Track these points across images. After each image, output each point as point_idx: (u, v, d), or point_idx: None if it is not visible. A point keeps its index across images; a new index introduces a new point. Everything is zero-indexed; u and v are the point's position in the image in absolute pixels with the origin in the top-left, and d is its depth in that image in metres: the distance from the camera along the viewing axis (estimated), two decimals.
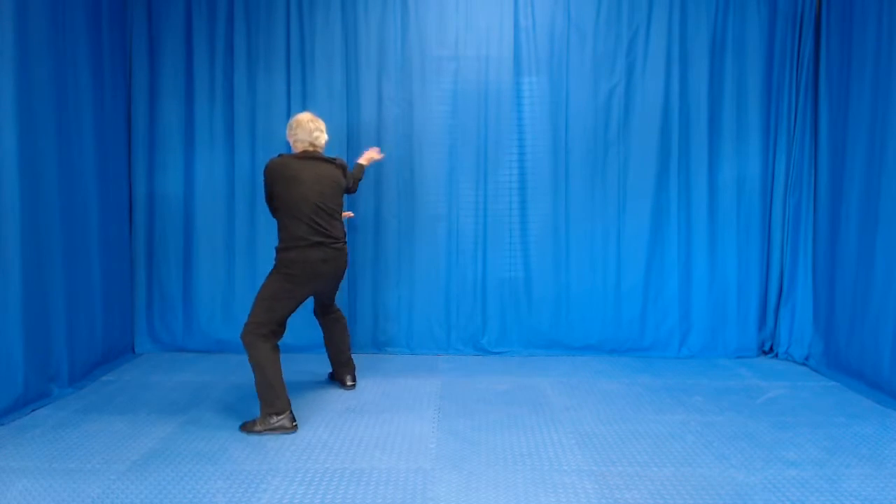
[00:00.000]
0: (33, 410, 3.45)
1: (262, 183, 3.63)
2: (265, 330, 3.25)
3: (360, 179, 3.95)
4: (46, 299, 3.64)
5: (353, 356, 4.69)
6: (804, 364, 4.55)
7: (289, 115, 4.68)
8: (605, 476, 2.78)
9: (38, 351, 3.56)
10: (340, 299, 4.81)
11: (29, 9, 3.45)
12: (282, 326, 3.35)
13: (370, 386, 4.00)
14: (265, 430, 3.20)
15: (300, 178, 3.36)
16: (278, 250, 3.38)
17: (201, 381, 4.04)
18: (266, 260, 4.74)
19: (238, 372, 4.24)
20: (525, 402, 3.71)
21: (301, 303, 3.40)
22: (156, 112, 4.68)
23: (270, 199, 3.42)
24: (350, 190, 3.86)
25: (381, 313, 4.78)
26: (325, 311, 3.85)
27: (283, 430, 3.21)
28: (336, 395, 3.84)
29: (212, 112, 4.69)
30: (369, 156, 4.07)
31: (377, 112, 4.69)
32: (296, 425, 3.24)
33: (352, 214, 4.13)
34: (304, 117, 3.48)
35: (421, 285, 4.75)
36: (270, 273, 3.37)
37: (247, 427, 3.24)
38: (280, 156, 3.44)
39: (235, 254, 4.74)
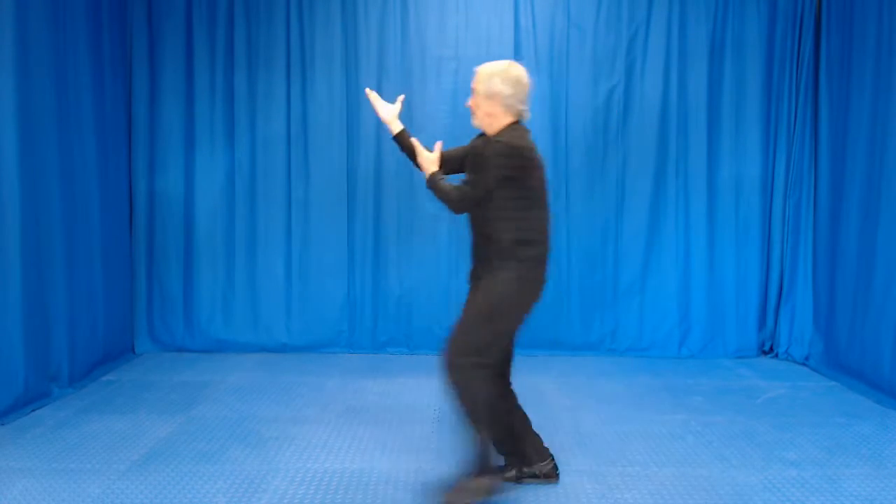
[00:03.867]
0: (33, 410, 3.45)
1: (491, 166, 2.45)
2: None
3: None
4: (46, 299, 3.64)
5: (355, 356, 4.64)
6: (804, 364, 4.55)
7: (289, 115, 4.67)
8: (605, 476, 2.78)
9: (38, 351, 3.56)
10: (339, 299, 4.81)
11: (29, 9, 3.45)
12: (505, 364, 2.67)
13: (370, 386, 4.00)
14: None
15: (540, 159, 2.59)
16: (526, 256, 2.54)
17: (201, 381, 4.03)
18: (266, 260, 4.75)
19: (238, 372, 4.24)
20: (525, 402, 3.69)
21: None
22: (156, 112, 4.68)
23: (494, 188, 2.46)
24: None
25: (381, 313, 4.77)
26: (506, 369, 2.78)
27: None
28: (336, 394, 3.84)
29: (212, 112, 4.69)
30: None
31: None
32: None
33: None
34: (524, 73, 2.59)
35: (421, 285, 4.75)
36: (502, 280, 2.53)
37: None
38: (509, 130, 2.53)
39: (235, 254, 4.73)
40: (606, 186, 4.71)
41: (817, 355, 4.52)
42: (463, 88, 4.69)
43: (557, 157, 4.70)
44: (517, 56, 4.65)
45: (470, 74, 4.63)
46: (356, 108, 4.68)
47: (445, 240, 4.72)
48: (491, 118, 2.57)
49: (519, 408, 2.75)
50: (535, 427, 2.75)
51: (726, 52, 4.66)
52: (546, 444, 2.76)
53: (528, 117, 2.62)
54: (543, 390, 3.93)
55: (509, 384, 2.77)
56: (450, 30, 4.66)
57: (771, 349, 4.79)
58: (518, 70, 2.57)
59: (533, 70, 4.67)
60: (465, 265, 4.71)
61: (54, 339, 3.71)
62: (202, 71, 4.66)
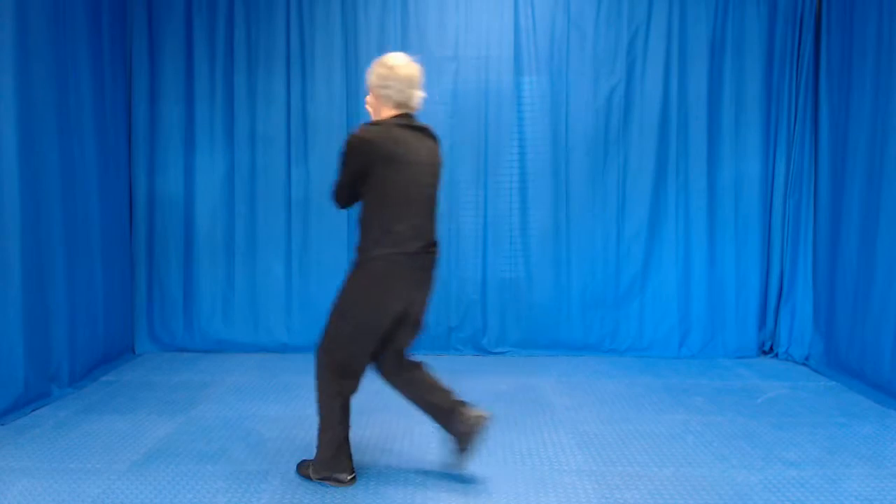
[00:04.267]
0: (33, 410, 3.45)
1: (342, 162, 2.48)
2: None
3: None
4: (46, 299, 3.64)
5: None
6: (804, 364, 4.55)
7: (289, 115, 4.67)
8: (605, 476, 2.78)
9: (38, 351, 3.56)
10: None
11: (29, 9, 3.45)
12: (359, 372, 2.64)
13: (369, 386, 3.99)
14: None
15: (408, 155, 2.47)
16: (371, 257, 2.48)
17: (201, 381, 4.03)
18: (266, 260, 4.75)
19: (238, 372, 4.24)
20: (525, 402, 3.71)
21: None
22: (156, 112, 4.68)
23: (353, 184, 2.48)
24: None
25: None
26: (401, 365, 2.75)
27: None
28: None
29: (212, 112, 4.69)
30: None
31: None
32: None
33: None
34: (403, 62, 2.53)
35: None
36: (352, 288, 2.53)
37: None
38: (372, 124, 2.48)
39: (235, 254, 4.74)
40: (607, 186, 4.71)
41: (817, 355, 4.52)
42: (463, 89, 4.70)
43: (557, 158, 4.70)
44: (517, 56, 4.66)
45: (470, 74, 4.70)
46: (356, 107, 4.68)
47: (445, 240, 4.72)
48: (374, 111, 2.58)
49: (432, 387, 2.67)
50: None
51: (726, 51, 4.65)
52: (460, 397, 2.66)
53: (416, 106, 2.58)
54: (543, 390, 3.94)
55: (411, 370, 2.72)
56: (450, 30, 4.66)
57: (771, 349, 4.79)
58: (395, 60, 2.52)
59: (533, 70, 4.70)
60: (464, 264, 4.75)
61: (54, 339, 3.71)
62: (202, 71, 4.66)
